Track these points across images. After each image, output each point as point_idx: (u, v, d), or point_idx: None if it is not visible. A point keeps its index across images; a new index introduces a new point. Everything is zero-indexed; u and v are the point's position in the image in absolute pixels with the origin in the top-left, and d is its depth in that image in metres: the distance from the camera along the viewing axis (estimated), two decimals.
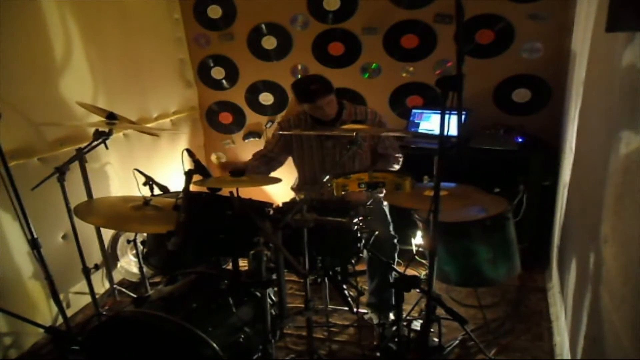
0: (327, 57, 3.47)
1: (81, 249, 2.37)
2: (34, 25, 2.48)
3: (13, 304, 2.33)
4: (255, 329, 1.75)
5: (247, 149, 3.83)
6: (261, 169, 2.65)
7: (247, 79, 3.73)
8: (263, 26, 3.54)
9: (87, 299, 2.68)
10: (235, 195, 1.70)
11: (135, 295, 2.22)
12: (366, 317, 2.57)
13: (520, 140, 2.90)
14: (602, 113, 1.59)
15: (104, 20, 2.94)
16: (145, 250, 2.49)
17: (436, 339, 2.17)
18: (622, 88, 1.31)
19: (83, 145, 2.27)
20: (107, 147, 2.29)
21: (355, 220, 1.98)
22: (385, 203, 2.57)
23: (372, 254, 2.10)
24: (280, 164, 2.73)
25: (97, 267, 2.50)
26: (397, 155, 2.66)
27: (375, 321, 2.50)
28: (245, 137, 3.89)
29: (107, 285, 2.88)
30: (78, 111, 2.58)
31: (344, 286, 2.03)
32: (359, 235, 1.99)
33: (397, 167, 2.64)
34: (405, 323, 2.24)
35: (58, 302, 1.99)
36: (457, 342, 2.33)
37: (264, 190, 3.89)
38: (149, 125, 3.32)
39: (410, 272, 2.84)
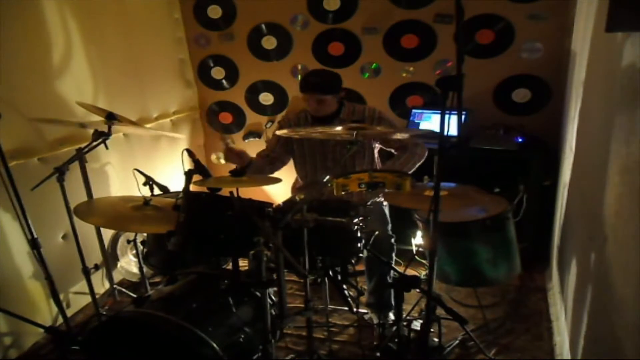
0: (327, 57, 3.47)
1: (81, 249, 2.36)
2: (34, 25, 2.48)
3: (13, 304, 2.33)
4: (255, 329, 1.75)
5: (247, 149, 3.80)
6: (265, 169, 2.63)
7: (247, 79, 3.74)
8: (263, 26, 3.54)
9: (87, 299, 2.68)
10: (235, 195, 1.70)
11: (135, 295, 2.22)
12: (366, 317, 2.57)
13: (520, 140, 2.90)
14: (602, 113, 1.59)
15: (104, 20, 2.94)
16: (145, 250, 2.49)
17: (436, 339, 2.17)
18: (622, 88, 1.31)
19: (83, 145, 2.27)
20: (107, 147, 2.29)
21: (355, 220, 1.98)
22: (385, 203, 2.57)
23: (371, 254, 2.10)
24: (283, 163, 2.71)
25: (97, 267, 2.50)
26: (416, 142, 2.50)
27: (375, 321, 2.50)
28: (245, 137, 3.89)
29: (107, 285, 2.88)
30: (78, 111, 2.58)
31: (344, 286, 2.03)
32: (358, 235, 1.99)
33: (419, 152, 2.48)
34: (405, 323, 2.24)
35: (58, 302, 2.00)
36: (457, 342, 2.33)
37: (264, 190, 3.89)
38: (148, 125, 3.32)
39: (410, 272, 2.84)
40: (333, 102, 2.49)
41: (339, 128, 2.02)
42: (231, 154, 2.50)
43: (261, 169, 2.61)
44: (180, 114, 3.71)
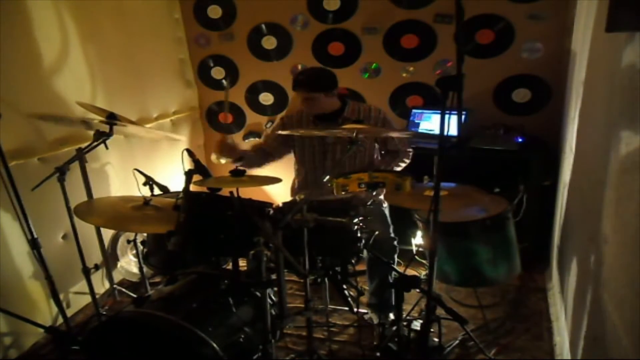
0: (327, 57, 3.47)
1: (81, 249, 2.36)
2: (34, 25, 2.48)
3: (13, 304, 2.33)
4: (255, 329, 1.75)
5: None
6: (258, 162, 2.67)
7: (247, 79, 3.74)
8: (263, 26, 3.54)
9: (87, 299, 2.68)
10: (235, 195, 1.70)
11: (135, 295, 2.22)
12: (366, 317, 2.57)
13: (520, 140, 2.90)
14: (602, 113, 1.59)
15: (104, 20, 2.94)
16: (145, 250, 2.49)
17: (436, 339, 2.17)
18: (622, 88, 1.31)
19: (83, 145, 2.27)
20: (107, 147, 2.29)
21: (355, 220, 1.98)
22: (385, 205, 2.57)
23: (373, 255, 2.10)
24: (274, 158, 2.73)
25: (97, 267, 2.49)
26: (407, 150, 2.65)
27: (375, 321, 2.50)
28: (245, 137, 3.89)
29: (107, 285, 2.88)
30: (78, 111, 2.58)
31: (344, 286, 2.03)
32: (359, 235, 1.99)
33: (407, 161, 2.63)
34: (405, 323, 2.24)
35: (58, 302, 2.00)
36: (457, 342, 2.33)
37: (264, 190, 3.89)
38: (148, 125, 3.32)
39: (410, 272, 2.84)
40: (326, 100, 2.48)
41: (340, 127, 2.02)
42: (224, 146, 2.52)
43: (254, 162, 2.64)
44: (180, 114, 3.71)
